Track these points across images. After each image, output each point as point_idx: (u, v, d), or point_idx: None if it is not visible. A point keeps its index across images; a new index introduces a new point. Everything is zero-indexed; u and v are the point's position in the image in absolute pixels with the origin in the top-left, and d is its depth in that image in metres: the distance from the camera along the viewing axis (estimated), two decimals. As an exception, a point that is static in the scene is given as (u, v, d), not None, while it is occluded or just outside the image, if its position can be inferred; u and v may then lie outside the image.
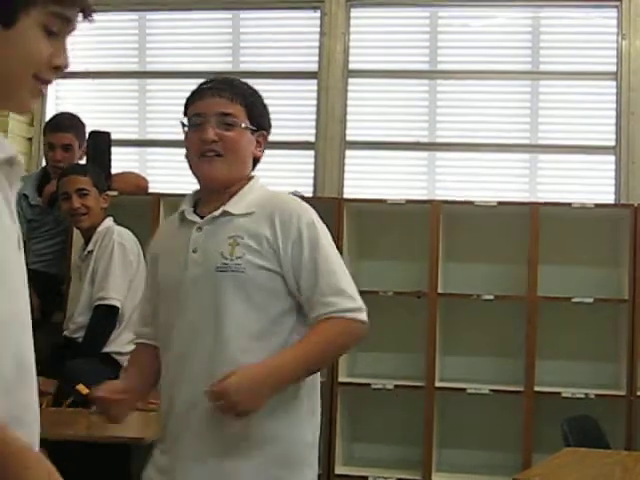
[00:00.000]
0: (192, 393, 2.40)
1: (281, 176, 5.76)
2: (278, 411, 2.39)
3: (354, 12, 5.89)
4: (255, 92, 2.59)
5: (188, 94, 2.58)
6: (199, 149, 2.46)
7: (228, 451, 2.40)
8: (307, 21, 5.93)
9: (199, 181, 2.55)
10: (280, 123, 5.64)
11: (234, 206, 2.49)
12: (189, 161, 2.54)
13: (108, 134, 5.19)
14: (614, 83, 5.57)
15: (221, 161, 2.46)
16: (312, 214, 2.51)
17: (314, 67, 5.89)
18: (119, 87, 6.23)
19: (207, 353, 2.42)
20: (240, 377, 2.27)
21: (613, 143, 5.58)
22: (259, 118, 2.55)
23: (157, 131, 6.06)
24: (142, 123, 6.13)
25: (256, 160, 2.57)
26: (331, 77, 5.84)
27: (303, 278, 2.45)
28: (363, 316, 2.45)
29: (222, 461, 2.40)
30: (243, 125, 2.49)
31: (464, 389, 5.07)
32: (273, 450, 2.41)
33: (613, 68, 5.56)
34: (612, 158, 5.64)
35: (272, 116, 6.12)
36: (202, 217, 2.51)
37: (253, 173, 2.60)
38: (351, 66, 5.86)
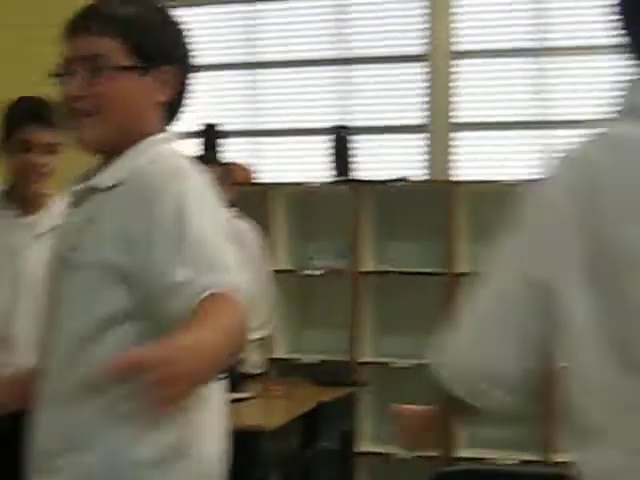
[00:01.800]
0: None
1: (392, 160, 5.76)
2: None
3: None
4: (146, 11, 1.90)
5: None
6: (68, 108, 1.87)
7: None
8: (413, 4, 5.89)
9: None
10: (390, 107, 5.81)
11: (102, 177, 1.87)
12: None
13: (218, 126, 5.26)
14: None
15: (94, 121, 1.84)
16: (185, 187, 1.80)
17: (420, 50, 5.87)
18: (230, 78, 6.27)
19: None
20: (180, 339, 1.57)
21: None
22: (150, 49, 1.85)
23: (268, 120, 6.13)
24: (253, 113, 6.19)
25: (173, 106, 1.92)
26: (439, 59, 5.82)
27: (155, 269, 1.77)
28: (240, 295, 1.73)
29: None
30: (120, 66, 1.81)
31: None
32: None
33: None
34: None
35: (381, 101, 5.94)
36: None
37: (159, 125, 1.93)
38: (458, 47, 5.82)
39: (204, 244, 1.75)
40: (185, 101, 1.95)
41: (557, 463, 4.79)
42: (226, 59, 6.16)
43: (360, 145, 5.68)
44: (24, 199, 3.33)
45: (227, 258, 1.78)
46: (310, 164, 5.82)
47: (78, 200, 1.89)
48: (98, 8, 1.88)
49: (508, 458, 5.00)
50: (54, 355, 1.86)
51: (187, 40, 1.93)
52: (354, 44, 6.10)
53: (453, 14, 5.86)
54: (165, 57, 1.85)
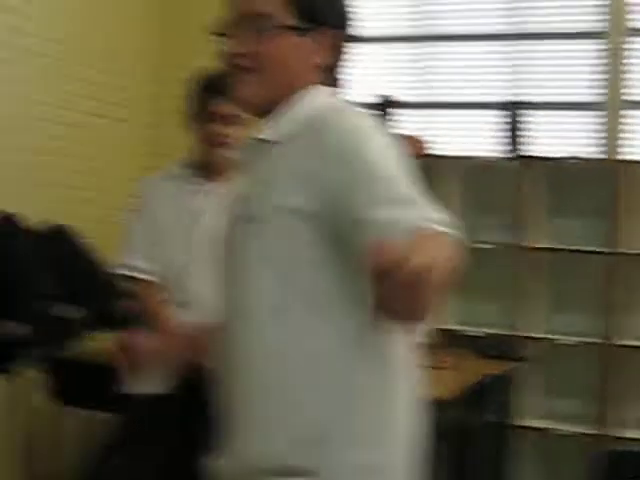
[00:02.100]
0: None
1: (563, 137, 5.74)
2: None
3: None
4: None
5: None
6: (228, 65, 1.87)
7: None
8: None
9: None
10: (563, 84, 5.80)
11: (266, 130, 1.87)
12: None
13: (392, 98, 5.34)
14: None
15: (253, 78, 1.84)
16: (368, 135, 1.75)
17: (597, 27, 5.74)
18: (404, 50, 6.26)
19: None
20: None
21: None
22: (311, 10, 1.85)
23: (440, 93, 6.15)
24: (426, 86, 6.20)
25: (332, 69, 1.90)
26: (615, 36, 5.67)
27: (353, 218, 1.69)
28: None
29: None
30: (284, 25, 1.82)
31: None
32: None
33: None
34: None
35: (555, 77, 5.93)
36: None
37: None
38: (635, 24, 5.65)
39: (398, 181, 1.68)
40: (343, 68, 1.93)
41: None
42: (400, 32, 6.17)
43: (532, 121, 5.59)
44: (208, 167, 3.47)
45: (423, 196, 1.68)
46: (481, 138, 5.78)
47: (250, 158, 1.90)
48: None
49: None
50: (244, 317, 1.80)
51: (348, 6, 1.92)
52: (529, 19, 6.00)
53: None
54: (325, 20, 1.85)
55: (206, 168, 3.48)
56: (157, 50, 6.66)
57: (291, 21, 1.81)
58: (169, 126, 5.89)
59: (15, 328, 4.49)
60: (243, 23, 1.81)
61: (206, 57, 5.54)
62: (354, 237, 1.63)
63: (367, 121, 1.77)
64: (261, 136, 1.85)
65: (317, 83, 1.86)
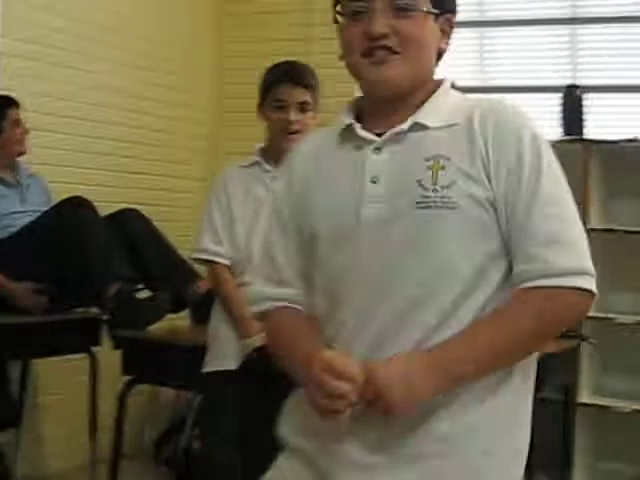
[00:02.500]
0: None
1: (624, 119, 5.76)
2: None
3: None
4: None
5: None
6: (363, 46, 1.79)
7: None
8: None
9: (365, 88, 1.88)
10: (622, 67, 5.80)
11: (428, 116, 1.80)
12: (348, 63, 1.86)
13: (454, 82, 5.37)
14: None
15: (398, 59, 1.78)
16: (535, 129, 1.79)
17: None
18: (465, 35, 6.18)
19: (396, 318, 1.75)
20: (393, 371, 1.65)
21: None
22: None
23: (499, 77, 6.25)
24: (484, 69, 6.28)
25: (440, 55, 1.89)
26: None
27: (509, 219, 1.74)
28: (588, 283, 1.70)
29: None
30: (424, 9, 1.78)
31: None
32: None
33: None
34: None
35: (614, 60, 5.91)
36: (378, 135, 1.84)
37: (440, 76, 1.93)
38: None
39: (568, 213, 1.76)
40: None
41: None
42: (460, 17, 6.12)
43: (591, 104, 5.59)
44: (278, 154, 3.35)
45: (579, 239, 1.75)
46: (541, 121, 5.66)
47: (387, 142, 1.81)
48: None
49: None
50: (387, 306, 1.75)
51: None
52: (587, 2, 6.02)
53: None
54: (451, 6, 1.86)
55: (279, 155, 3.33)
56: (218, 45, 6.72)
57: (428, 5, 1.78)
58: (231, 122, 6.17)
59: (98, 313, 4.61)
60: (382, 4, 1.76)
61: (268, 46, 5.61)
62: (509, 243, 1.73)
63: (539, 130, 1.79)
64: (422, 121, 1.79)
65: (435, 68, 1.89)
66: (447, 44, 1.87)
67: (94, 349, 4.75)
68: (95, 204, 4.71)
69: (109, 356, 4.70)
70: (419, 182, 1.72)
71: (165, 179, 6.16)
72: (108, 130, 5.75)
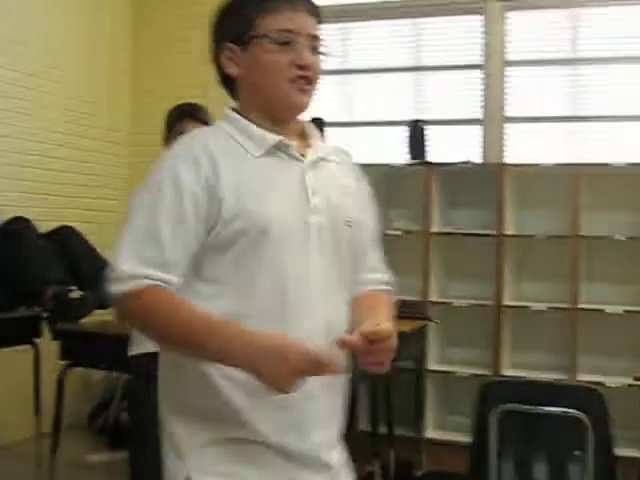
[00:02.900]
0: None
1: (457, 146, 5.91)
2: None
3: (509, 14, 5.91)
4: None
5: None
6: (293, 73, 1.71)
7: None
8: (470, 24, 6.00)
9: (271, 108, 1.76)
10: (454, 105, 5.93)
11: (324, 150, 1.83)
12: (257, 85, 1.75)
13: (321, 120, 5.36)
14: None
15: (311, 90, 1.76)
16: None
17: (477, 60, 5.94)
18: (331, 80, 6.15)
19: (333, 317, 1.75)
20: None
21: None
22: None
23: (359, 113, 6.22)
24: (348, 108, 6.35)
25: None
26: (493, 67, 5.89)
27: (368, 239, 1.92)
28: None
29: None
30: (324, 51, 1.78)
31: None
32: None
33: None
34: None
35: (448, 99, 5.69)
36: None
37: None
38: (509, 57, 5.89)
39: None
40: None
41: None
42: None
43: (431, 134, 5.77)
44: None
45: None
46: (393, 148, 5.95)
47: (312, 165, 1.78)
48: (314, 2, 1.81)
49: (541, 377, 5.07)
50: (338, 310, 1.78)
51: None
52: (428, 54, 6.14)
53: (505, 28, 5.86)
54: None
55: None
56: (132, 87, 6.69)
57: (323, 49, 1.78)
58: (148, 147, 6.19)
59: (38, 311, 4.69)
60: (306, 41, 1.72)
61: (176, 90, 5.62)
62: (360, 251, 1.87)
63: None
64: (324, 155, 1.82)
65: None
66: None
67: (36, 340, 4.81)
68: (37, 222, 4.82)
69: (48, 346, 4.75)
70: (341, 205, 1.77)
71: (92, 201, 6.21)
72: (48, 162, 5.86)
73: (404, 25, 6.25)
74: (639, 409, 3.51)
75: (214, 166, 1.68)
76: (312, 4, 1.78)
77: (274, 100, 1.75)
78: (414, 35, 6.23)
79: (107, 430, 5.49)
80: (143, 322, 1.66)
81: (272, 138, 1.75)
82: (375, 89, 6.31)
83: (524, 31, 5.96)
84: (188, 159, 1.69)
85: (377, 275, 1.94)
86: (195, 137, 1.79)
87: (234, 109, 1.82)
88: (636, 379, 3.53)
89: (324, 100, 6.24)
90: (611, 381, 4.94)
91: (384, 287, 1.93)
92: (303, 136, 1.84)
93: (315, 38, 1.76)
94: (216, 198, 1.66)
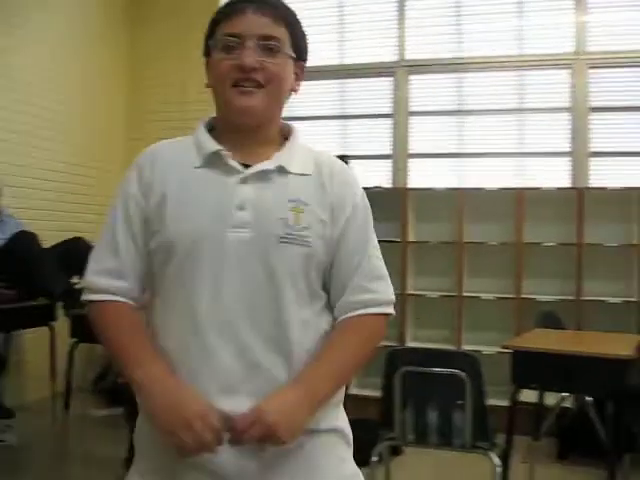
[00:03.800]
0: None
1: (370, 174, 5.77)
2: None
3: (412, 77, 5.91)
4: (296, 13, 1.44)
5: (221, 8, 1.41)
6: (234, 77, 1.34)
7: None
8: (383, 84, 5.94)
9: (227, 116, 1.39)
10: (371, 141, 5.86)
11: (289, 162, 1.38)
12: (214, 91, 1.39)
13: None
14: None
15: (262, 92, 1.35)
16: (360, 187, 1.46)
17: (385, 111, 5.90)
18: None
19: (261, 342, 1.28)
20: (279, 403, 1.23)
21: None
22: (302, 45, 1.43)
23: None
24: None
25: (290, 94, 1.44)
26: (400, 116, 5.89)
27: (345, 257, 1.38)
28: (392, 309, 1.42)
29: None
30: (287, 52, 1.38)
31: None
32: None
33: None
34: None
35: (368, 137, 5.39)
36: (242, 165, 1.35)
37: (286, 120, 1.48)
38: (412, 109, 5.89)
39: (378, 251, 1.43)
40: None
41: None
42: None
43: (352, 166, 5.32)
44: None
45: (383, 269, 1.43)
46: None
47: (256, 177, 1.35)
48: (274, 1, 1.42)
49: (435, 346, 5.09)
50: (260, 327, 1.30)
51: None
52: (353, 105, 5.96)
53: (408, 87, 5.80)
54: (305, 54, 1.45)
55: None
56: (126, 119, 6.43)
57: (289, 50, 1.39)
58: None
59: (51, 302, 4.63)
60: (253, 42, 1.35)
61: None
62: (340, 272, 1.38)
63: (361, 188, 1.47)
64: (285, 166, 1.37)
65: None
66: (298, 86, 1.45)
67: (52, 323, 4.75)
68: (45, 233, 4.68)
69: (60, 327, 4.78)
70: (283, 220, 1.31)
71: (92, 215, 5.94)
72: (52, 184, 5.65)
73: (335, 84, 6.17)
74: (504, 370, 3.60)
75: (153, 176, 1.36)
76: (265, 3, 1.38)
77: (224, 107, 1.39)
78: (341, 91, 6.17)
79: (107, 391, 5.40)
80: (95, 331, 1.35)
81: (210, 147, 1.37)
82: (310, 133, 6.03)
83: (424, 89, 5.96)
84: (134, 169, 1.41)
85: (363, 296, 1.38)
86: (151, 147, 1.44)
87: (210, 120, 1.47)
88: (503, 347, 3.63)
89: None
90: (485, 349, 5.00)
91: (370, 310, 1.38)
92: (281, 145, 1.42)
93: (267, 38, 1.36)
94: (148, 210, 1.36)
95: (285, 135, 1.44)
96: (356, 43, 6.05)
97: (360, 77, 6.07)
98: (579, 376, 3.34)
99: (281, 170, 1.37)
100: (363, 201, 1.44)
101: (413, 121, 5.92)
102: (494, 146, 5.65)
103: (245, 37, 1.35)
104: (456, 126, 5.83)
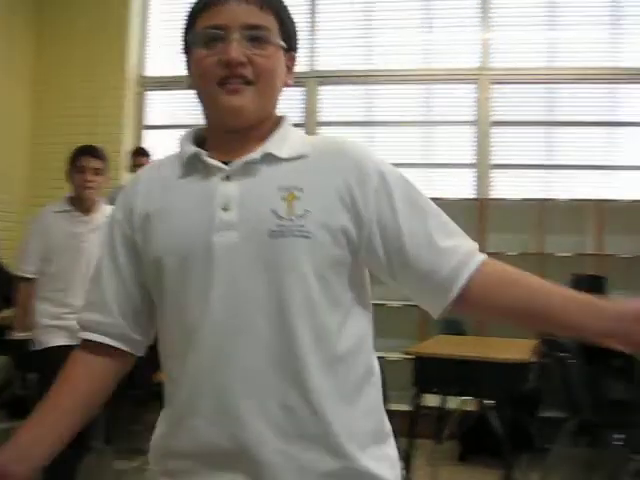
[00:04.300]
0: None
1: None
2: None
3: (321, 88, 6.01)
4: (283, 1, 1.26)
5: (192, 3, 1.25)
6: (219, 74, 1.18)
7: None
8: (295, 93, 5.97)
9: (215, 118, 1.23)
10: None
11: (278, 147, 1.20)
12: (199, 92, 1.23)
13: None
14: None
15: (251, 90, 1.19)
16: (376, 154, 1.23)
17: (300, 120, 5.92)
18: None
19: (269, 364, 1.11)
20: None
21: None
22: (292, 34, 1.27)
23: None
24: None
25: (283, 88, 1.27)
26: (309, 126, 5.95)
27: (408, 231, 1.17)
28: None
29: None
30: (277, 42, 1.22)
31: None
32: None
33: None
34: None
35: None
36: (225, 164, 1.20)
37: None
38: (321, 119, 5.98)
39: (438, 210, 1.23)
40: None
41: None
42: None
43: None
44: (82, 204, 3.35)
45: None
46: None
47: (237, 171, 1.18)
48: None
49: None
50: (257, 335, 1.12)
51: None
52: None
53: (317, 97, 5.96)
54: (295, 44, 1.28)
55: (81, 205, 3.35)
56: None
57: (279, 40, 1.23)
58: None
59: None
60: (238, 33, 1.18)
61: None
62: (402, 255, 1.17)
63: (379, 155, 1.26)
64: (273, 152, 1.19)
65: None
66: (291, 80, 1.28)
67: None
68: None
69: None
70: (274, 211, 1.14)
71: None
72: None
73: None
74: (407, 375, 3.73)
75: (135, 198, 1.25)
76: None
77: (210, 107, 1.22)
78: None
79: (8, 404, 5.21)
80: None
81: (186, 153, 1.23)
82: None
83: (332, 99, 6.05)
84: (121, 194, 1.30)
85: (458, 254, 1.18)
86: (139, 170, 1.33)
87: (199, 129, 1.30)
88: (406, 353, 3.75)
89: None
90: (389, 355, 5.07)
91: (478, 259, 1.19)
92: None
93: (254, 27, 1.19)
94: (133, 234, 1.24)
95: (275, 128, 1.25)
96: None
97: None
98: (478, 380, 3.50)
99: (268, 158, 1.19)
100: (386, 165, 1.21)
101: (321, 131, 5.98)
102: (401, 157, 5.76)
103: (229, 28, 1.18)
104: (364, 137, 5.91)
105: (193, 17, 1.22)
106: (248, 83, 1.18)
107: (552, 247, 5.49)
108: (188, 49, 1.24)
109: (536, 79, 5.74)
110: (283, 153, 1.19)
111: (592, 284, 4.76)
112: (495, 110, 5.80)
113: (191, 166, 1.22)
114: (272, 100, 1.23)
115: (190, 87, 1.25)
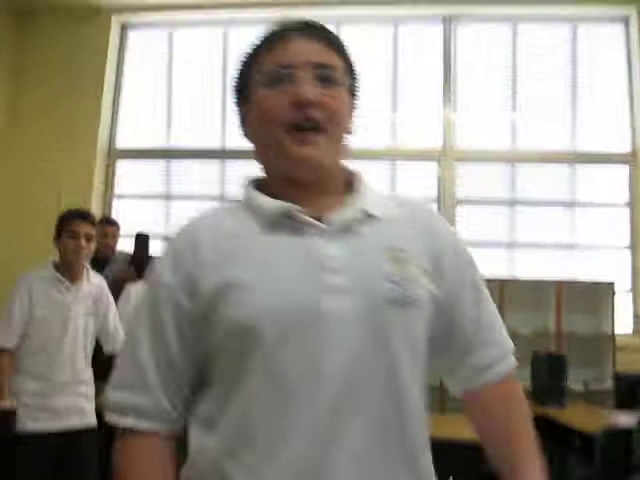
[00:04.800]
0: None
1: None
2: None
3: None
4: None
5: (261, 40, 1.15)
6: (289, 117, 1.08)
7: None
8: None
9: (280, 168, 1.13)
10: None
11: (372, 206, 1.13)
12: (259, 139, 1.14)
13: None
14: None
15: (323, 138, 1.10)
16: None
17: None
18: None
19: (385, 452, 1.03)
20: None
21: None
22: (356, 77, 1.19)
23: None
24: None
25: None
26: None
27: (466, 308, 1.17)
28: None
29: None
30: (346, 83, 1.14)
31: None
32: None
33: None
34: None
35: None
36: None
37: None
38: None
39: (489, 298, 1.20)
40: None
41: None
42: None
43: None
44: (70, 270, 3.20)
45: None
46: None
47: (338, 229, 1.10)
48: (321, 25, 1.16)
49: None
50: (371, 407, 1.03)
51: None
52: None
53: None
54: (358, 88, 1.20)
55: (69, 271, 3.19)
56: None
57: (347, 81, 1.14)
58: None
59: None
60: (310, 73, 1.10)
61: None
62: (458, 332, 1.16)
63: None
64: (371, 211, 1.12)
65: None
66: (353, 125, 1.18)
67: None
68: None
69: None
70: (386, 276, 1.06)
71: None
72: None
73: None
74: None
75: (198, 264, 1.08)
76: (314, 27, 1.14)
77: (275, 155, 1.12)
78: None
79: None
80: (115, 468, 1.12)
81: (273, 208, 1.10)
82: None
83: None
84: (169, 255, 1.13)
85: (492, 351, 1.19)
86: (187, 225, 1.15)
87: (256, 179, 1.19)
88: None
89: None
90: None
91: (504, 368, 1.20)
92: (348, 191, 1.16)
93: (323, 66, 1.10)
94: (199, 298, 1.08)
95: (348, 181, 1.18)
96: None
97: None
98: (440, 460, 3.46)
99: (367, 217, 1.11)
100: (460, 241, 1.21)
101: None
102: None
103: (298, 67, 1.09)
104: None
105: (254, 56, 1.14)
106: (317, 129, 1.09)
107: (513, 324, 5.57)
108: (242, 95, 1.16)
109: (499, 157, 5.87)
110: (379, 212, 1.12)
111: (552, 362, 4.82)
112: (458, 188, 5.90)
113: (276, 222, 1.10)
114: (341, 147, 1.14)
115: (246, 135, 1.17)
